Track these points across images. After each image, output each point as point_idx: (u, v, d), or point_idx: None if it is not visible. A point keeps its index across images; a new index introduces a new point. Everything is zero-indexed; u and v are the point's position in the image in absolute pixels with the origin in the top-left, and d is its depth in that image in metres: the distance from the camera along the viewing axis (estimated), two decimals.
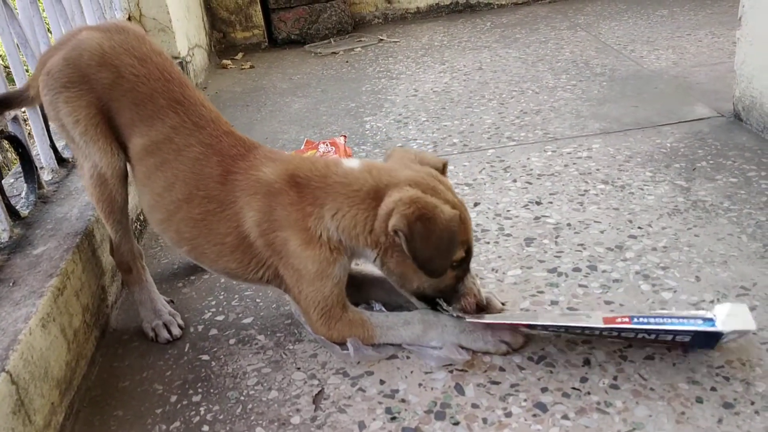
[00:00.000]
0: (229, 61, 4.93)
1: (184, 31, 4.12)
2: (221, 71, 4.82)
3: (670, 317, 1.58)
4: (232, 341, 1.86)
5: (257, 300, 2.03)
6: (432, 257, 1.56)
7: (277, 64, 4.83)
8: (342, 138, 2.93)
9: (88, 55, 1.74)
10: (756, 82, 2.70)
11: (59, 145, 2.43)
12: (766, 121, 2.64)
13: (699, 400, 1.47)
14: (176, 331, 1.90)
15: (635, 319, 1.57)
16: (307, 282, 1.68)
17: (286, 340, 1.84)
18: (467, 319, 1.67)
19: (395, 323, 1.72)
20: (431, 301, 1.71)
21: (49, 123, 1.93)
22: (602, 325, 1.57)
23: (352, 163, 1.72)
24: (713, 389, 1.49)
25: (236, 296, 2.06)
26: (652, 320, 1.57)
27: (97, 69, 1.74)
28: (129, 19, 3.65)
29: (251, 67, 4.82)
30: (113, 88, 1.75)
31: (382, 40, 5.07)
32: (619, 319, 1.58)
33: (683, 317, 1.57)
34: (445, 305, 1.70)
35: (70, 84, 1.74)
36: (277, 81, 4.42)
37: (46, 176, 2.25)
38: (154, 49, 1.83)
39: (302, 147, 2.96)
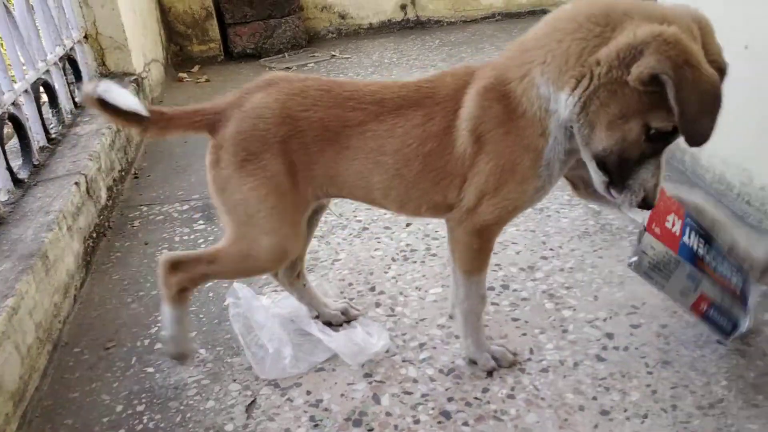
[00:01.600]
0: (185, 75, 5.07)
1: (141, 47, 4.25)
2: (177, 84, 4.96)
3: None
4: None
5: (200, 315, 2.20)
6: (700, 115, 1.36)
7: (233, 78, 4.99)
8: None
9: (262, 123, 1.68)
10: None
11: (14, 165, 2.57)
12: (674, 149, 2.89)
13: (581, 408, 1.69)
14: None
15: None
16: (506, 186, 1.63)
17: (225, 353, 2.02)
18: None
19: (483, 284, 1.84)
20: (605, 177, 1.54)
21: (216, 197, 1.78)
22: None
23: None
24: (594, 398, 1.72)
25: None
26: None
27: (275, 130, 1.67)
28: (86, 38, 3.77)
29: (207, 80, 4.97)
30: (294, 137, 1.69)
31: (334, 56, 5.26)
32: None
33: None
34: (616, 194, 1.53)
35: (252, 156, 1.68)
36: None
37: (1, 197, 2.39)
38: (303, 78, 1.82)
39: None
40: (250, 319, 2.02)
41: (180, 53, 5.40)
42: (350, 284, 2.28)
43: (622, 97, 1.41)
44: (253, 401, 1.82)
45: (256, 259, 1.75)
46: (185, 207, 2.98)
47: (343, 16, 5.85)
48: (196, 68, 5.26)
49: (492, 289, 2.19)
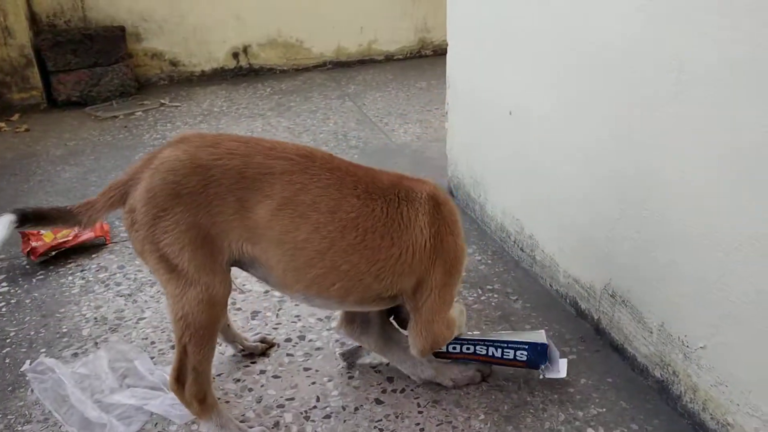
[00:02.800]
0: (3, 124, 4.89)
1: None
2: None
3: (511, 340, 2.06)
4: None
5: None
6: None
7: (55, 127, 4.86)
8: None
9: (172, 176, 1.68)
10: (460, 165, 3.25)
11: None
12: (467, 199, 3.19)
13: None
14: None
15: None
16: (458, 275, 1.93)
17: (16, 421, 2.01)
18: None
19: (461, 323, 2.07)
20: None
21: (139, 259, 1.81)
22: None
23: None
24: None
25: None
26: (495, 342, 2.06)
27: (186, 181, 1.68)
28: None
29: (26, 130, 4.81)
30: (207, 186, 1.69)
31: (163, 104, 5.27)
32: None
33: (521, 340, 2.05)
34: None
35: (163, 212, 1.67)
36: (51, 147, 4.47)
37: None
38: (216, 133, 1.83)
39: None
40: (59, 392, 2.02)
41: None
42: (152, 343, 2.34)
43: None
44: None
45: (193, 314, 1.71)
46: None
47: (174, 64, 5.87)
48: (15, 117, 5.08)
49: (289, 340, 2.32)
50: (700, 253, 1.75)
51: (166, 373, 2.09)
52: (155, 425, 1.96)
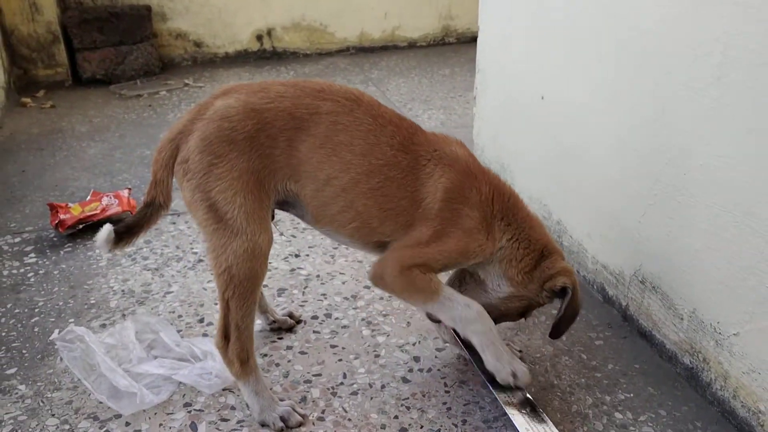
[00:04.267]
0: (29, 100, 4.92)
1: None
2: (20, 110, 4.80)
3: None
4: None
5: (23, 351, 2.19)
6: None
7: (80, 105, 4.90)
8: (126, 191, 3.14)
9: (227, 123, 1.73)
10: (487, 151, 3.23)
11: None
12: None
13: (383, 427, 1.85)
14: (298, 418, 1.87)
15: None
16: (443, 248, 1.79)
17: (45, 388, 2.03)
18: None
19: (459, 300, 1.81)
20: None
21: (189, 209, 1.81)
22: None
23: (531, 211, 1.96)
24: (396, 417, 1.88)
25: (3, 347, 2.21)
26: None
27: (241, 126, 1.72)
28: None
29: (52, 106, 4.84)
30: (261, 130, 1.73)
31: (187, 84, 5.29)
32: None
33: None
34: None
35: (218, 159, 1.71)
36: (76, 123, 4.50)
37: None
38: (261, 81, 1.84)
39: (88, 198, 3.12)
40: (88, 360, 2.03)
41: (24, 77, 5.23)
42: (180, 316, 2.35)
43: None
44: None
45: (237, 265, 1.73)
46: (17, 240, 2.92)
47: (198, 45, 5.88)
48: (41, 93, 5.12)
49: (316, 318, 2.33)
50: (736, 239, 1.74)
51: (193, 344, 2.11)
52: (183, 396, 1.97)
